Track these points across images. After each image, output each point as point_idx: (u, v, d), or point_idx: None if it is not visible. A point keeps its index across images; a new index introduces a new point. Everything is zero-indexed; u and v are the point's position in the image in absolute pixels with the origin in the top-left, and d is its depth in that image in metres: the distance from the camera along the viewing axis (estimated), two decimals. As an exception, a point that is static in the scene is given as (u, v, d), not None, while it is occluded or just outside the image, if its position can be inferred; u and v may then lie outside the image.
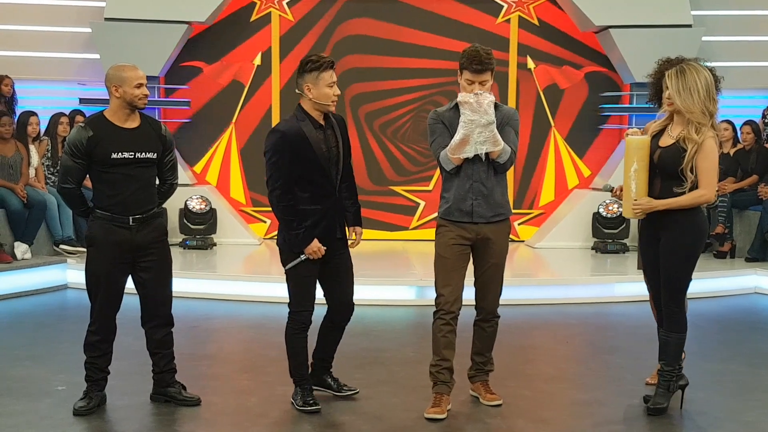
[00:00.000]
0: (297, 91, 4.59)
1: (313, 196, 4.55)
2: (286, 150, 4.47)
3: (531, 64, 10.64)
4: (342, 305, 4.79)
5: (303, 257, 4.55)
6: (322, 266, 4.62)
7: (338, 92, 4.59)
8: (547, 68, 10.64)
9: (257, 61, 10.57)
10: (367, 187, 10.39)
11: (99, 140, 4.46)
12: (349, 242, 4.81)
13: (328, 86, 4.52)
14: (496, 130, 4.51)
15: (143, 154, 4.56)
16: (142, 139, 4.57)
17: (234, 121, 10.63)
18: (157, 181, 4.79)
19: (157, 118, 9.99)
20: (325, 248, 4.56)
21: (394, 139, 10.66)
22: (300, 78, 4.55)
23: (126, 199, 4.53)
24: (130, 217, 4.54)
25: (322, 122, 4.59)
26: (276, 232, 4.76)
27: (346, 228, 4.79)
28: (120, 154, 4.49)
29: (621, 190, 4.83)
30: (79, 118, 9.25)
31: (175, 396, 4.75)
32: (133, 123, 4.59)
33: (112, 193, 4.52)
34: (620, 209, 9.69)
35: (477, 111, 4.45)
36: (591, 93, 10.66)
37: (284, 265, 4.61)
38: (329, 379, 4.91)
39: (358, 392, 4.89)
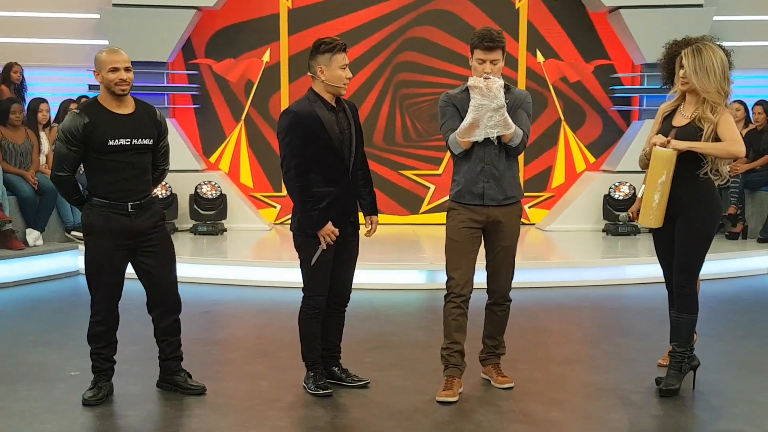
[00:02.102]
0: (309, 73, 4.58)
1: (326, 178, 4.54)
2: (299, 130, 4.46)
3: (540, 58, 10.59)
4: (343, 289, 4.77)
5: (320, 249, 4.54)
6: (334, 248, 4.61)
7: (350, 75, 4.58)
8: (556, 62, 10.60)
9: (266, 58, 10.57)
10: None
11: (95, 127, 4.38)
12: (366, 231, 4.80)
13: (340, 68, 4.51)
14: (506, 114, 4.49)
15: (140, 140, 4.48)
16: (138, 125, 4.49)
17: (243, 117, 10.64)
18: None
19: (166, 104, 10.10)
20: (338, 231, 4.55)
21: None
22: (312, 60, 4.54)
23: (124, 186, 4.46)
24: (129, 204, 4.47)
25: (333, 104, 4.58)
26: (288, 216, 4.75)
27: (362, 216, 4.78)
28: (117, 141, 4.40)
29: (637, 211, 4.79)
30: (72, 105, 9.23)
31: (180, 384, 4.72)
32: (128, 108, 4.50)
33: (109, 181, 4.45)
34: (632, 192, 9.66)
35: (487, 95, 4.42)
36: (600, 86, 10.61)
37: (308, 260, 4.57)
38: (337, 370, 4.85)
39: (369, 383, 4.84)
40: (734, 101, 9.16)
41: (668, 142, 4.51)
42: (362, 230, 4.79)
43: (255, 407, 4.53)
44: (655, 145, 4.55)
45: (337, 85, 4.53)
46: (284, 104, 10.51)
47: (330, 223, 4.52)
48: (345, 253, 4.69)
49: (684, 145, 4.48)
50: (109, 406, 4.52)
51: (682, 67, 4.56)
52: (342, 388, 4.77)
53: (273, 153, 10.52)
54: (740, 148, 4.47)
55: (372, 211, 4.84)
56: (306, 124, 4.47)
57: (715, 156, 4.47)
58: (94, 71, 4.49)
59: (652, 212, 4.59)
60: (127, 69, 4.45)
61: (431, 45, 10.62)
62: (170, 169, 4.84)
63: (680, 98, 4.67)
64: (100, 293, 4.56)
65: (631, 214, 4.97)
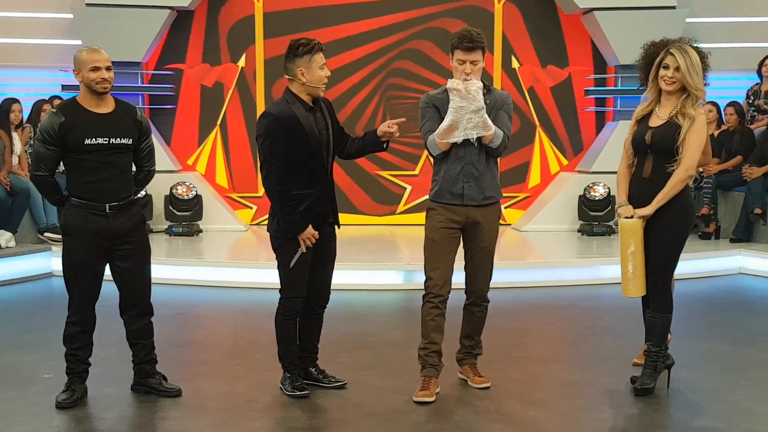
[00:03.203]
0: (287, 75, 4.54)
1: (306, 179, 4.51)
2: (279, 133, 4.43)
3: (515, 63, 10.64)
4: (323, 290, 4.76)
5: (300, 251, 4.51)
6: (313, 249, 4.59)
7: (329, 74, 4.56)
8: (532, 68, 10.65)
9: (241, 62, 10.54)
10: (352, 173, 10.42)
11: (71, 126, 4.35)
12: (394, 128, 4.61)
13: (320, 68, 4.49)
14: (486, 116, 4.50)
15: (118, 139, 4.44)
16: (117, 124, 4.45)
17: (219, 123, 10.60)
18: (134, 168, 4.67)
19: (140, 104, 10.04)
20: (318, 233, 4.54)
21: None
22: (290, 63, 4.49)
23: (102, 186, 4.42)
24: (107, 205, 4.43)
25: (311, 105, 4.56)
26: (265, 217, 4.72)
27: (380, 129, 4.65)
28: (94, 139, 4.37)
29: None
30: (46, 107, 9.13)
31: (156, 387, 4.69)
32: (107, 108, 4.47)
33: (87, 180, 4.41)
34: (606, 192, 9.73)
35: (466, 98, 4.43)
36: (575, 89, 10.66)
37: (287, 263, 4.54)
38: (314, 371, 4.83)
39: (346, 384, 4.83)
40: (707, 102, 9.25)
41: (633, 213, 4.58)
42: (391, 128, 4.61)
43: (232, 409, 4.51)
44: (621, 216, 4.62)
45: (317, 86, 4.51)
46: (260, 108, 10.50)
47: (310, 226, 4.51)
48: (324, 254, 4.68)
49: (648, 210, 4.55)
50: (83, 409, 4.48)
51: (665, 67, 4.58)
52: (319, 389, 4.76)
53: (249, 156, 10.52)
54: (689, 173, 4.52)
55: (375, 131, 4.68)
56: (285, 127, 4.44)
57: (677, 192, 4.52)
58: (74, 70, 4.45)
59: (630, 282, 4.67)
60: (108, 68, 4.44)
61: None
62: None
63: (655, 101, 4.69)
64: (77, 294, 4.51)
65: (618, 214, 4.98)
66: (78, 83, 4.49)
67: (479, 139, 4.55)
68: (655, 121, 4.64)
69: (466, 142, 4.55)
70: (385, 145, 4.72)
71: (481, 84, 4.49)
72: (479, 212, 4.65)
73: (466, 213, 4.64)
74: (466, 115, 4.46)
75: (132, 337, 4.69)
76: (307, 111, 4.52)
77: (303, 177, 4.51)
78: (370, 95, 10.67)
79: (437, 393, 4.66)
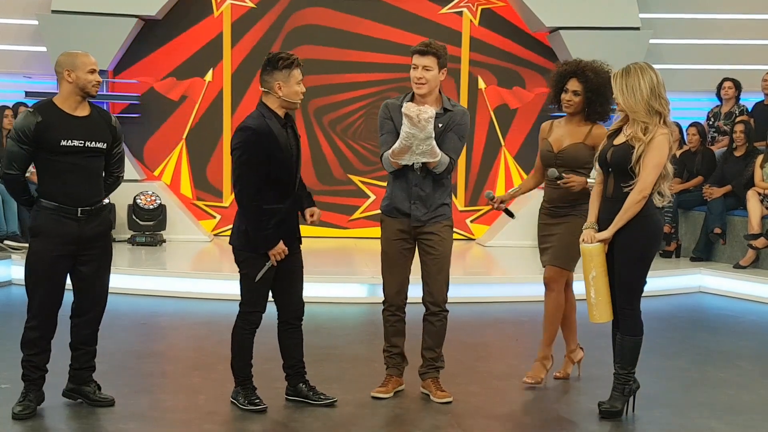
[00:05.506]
0: (263, 88, 4.51)
1: (278, 195, 4.49)
2: (257, 148, 4.40)
3: (482, 84, 10.71)
4: (296, 303, 4.75)
5: (268, 264, 4.49)
6: (279, 265, 4.56)
7: (305, 90, 4.56)
8: (497, 89, 10.73)
9: (209, 77, 10.49)
10: (316, 186, 10.36)
11: (48, 126, 4.32)
12: (309, 221, 4.69)
13: (297, 84, 4.48)
14: (434, 144, 4.60)
15: (93, 143, 4.42)
16: (93, 127, 4.44)
17: (185, 136, 10.54)
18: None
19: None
20: (287, 249, 4.52)
21: (344, 136, 10.63)
22: (268, 75, 4.47)
23: (74, 189, 4.39)
24: (79, 209, 4.40)
25: (284, 120, 4.55)
26: (227, 227, 4.68)
27: (305, 211, 4.70)
28: (69, 141, 4.35)
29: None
30: (8, 112, 8.99)
31: (89, 395, 4.60)
32: (84, 111, 4.46)
33: (60, 183, 4.38)
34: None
35: (416, 125, 4.51)
36: (539, 111, 10.76)
37: (252, 276, 4.50)
38: (305, 387, 4.78)
39: (335, 401, 4.76)
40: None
41: (592, 237, 4.58)
42: (312, 217, 4.68)
43: (192, 420, 4.47)
44: (584, 241, 4.62)
45: (294, 101, 4.51)
46: (227, 122, 10.47)
47: (282, 242, 4.49)
48: (293, 268, 4.66)
49: (606, 234, 4.54)
50: (41, 420, 4.41)
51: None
52: (279, 400, 4.73)
53: (214, 169, 10.49)
54: (644, 194, 4.47)
55: (311, 203, 4.74)
56: (263, 141, 4.41)
57: (633, 214, 4.49)
58: (66, 71, 4.38)
59: (594, 308, 4.63)
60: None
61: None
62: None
63: (625, 118, 4.65)
64: (39, 298, 4.43)
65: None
66: (48, 91, 4.45)
67: (424, 163, 4.64)
68: (619, 139, 4.64)
69: (414, 165, 4.66)
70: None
71: (433, 113, 4.54)
72: (428, 224, 4.77)
73: (415, 224, 4.78)
74: (416, 142, 4.56)
75: (77, 341, 4.61)
76: (281, 126, 4.51)
77: (275, 192, 4.49)
78: (356, 110, 10.62)
79: (400, 391, 4.81)
